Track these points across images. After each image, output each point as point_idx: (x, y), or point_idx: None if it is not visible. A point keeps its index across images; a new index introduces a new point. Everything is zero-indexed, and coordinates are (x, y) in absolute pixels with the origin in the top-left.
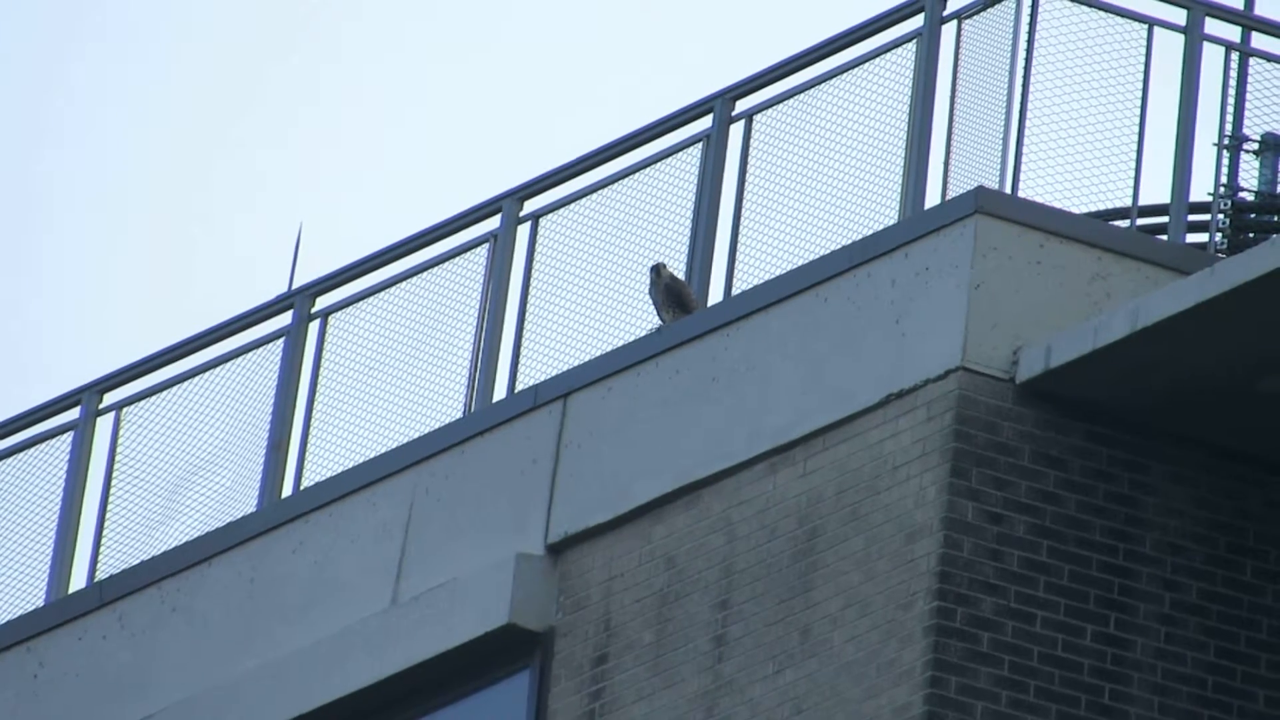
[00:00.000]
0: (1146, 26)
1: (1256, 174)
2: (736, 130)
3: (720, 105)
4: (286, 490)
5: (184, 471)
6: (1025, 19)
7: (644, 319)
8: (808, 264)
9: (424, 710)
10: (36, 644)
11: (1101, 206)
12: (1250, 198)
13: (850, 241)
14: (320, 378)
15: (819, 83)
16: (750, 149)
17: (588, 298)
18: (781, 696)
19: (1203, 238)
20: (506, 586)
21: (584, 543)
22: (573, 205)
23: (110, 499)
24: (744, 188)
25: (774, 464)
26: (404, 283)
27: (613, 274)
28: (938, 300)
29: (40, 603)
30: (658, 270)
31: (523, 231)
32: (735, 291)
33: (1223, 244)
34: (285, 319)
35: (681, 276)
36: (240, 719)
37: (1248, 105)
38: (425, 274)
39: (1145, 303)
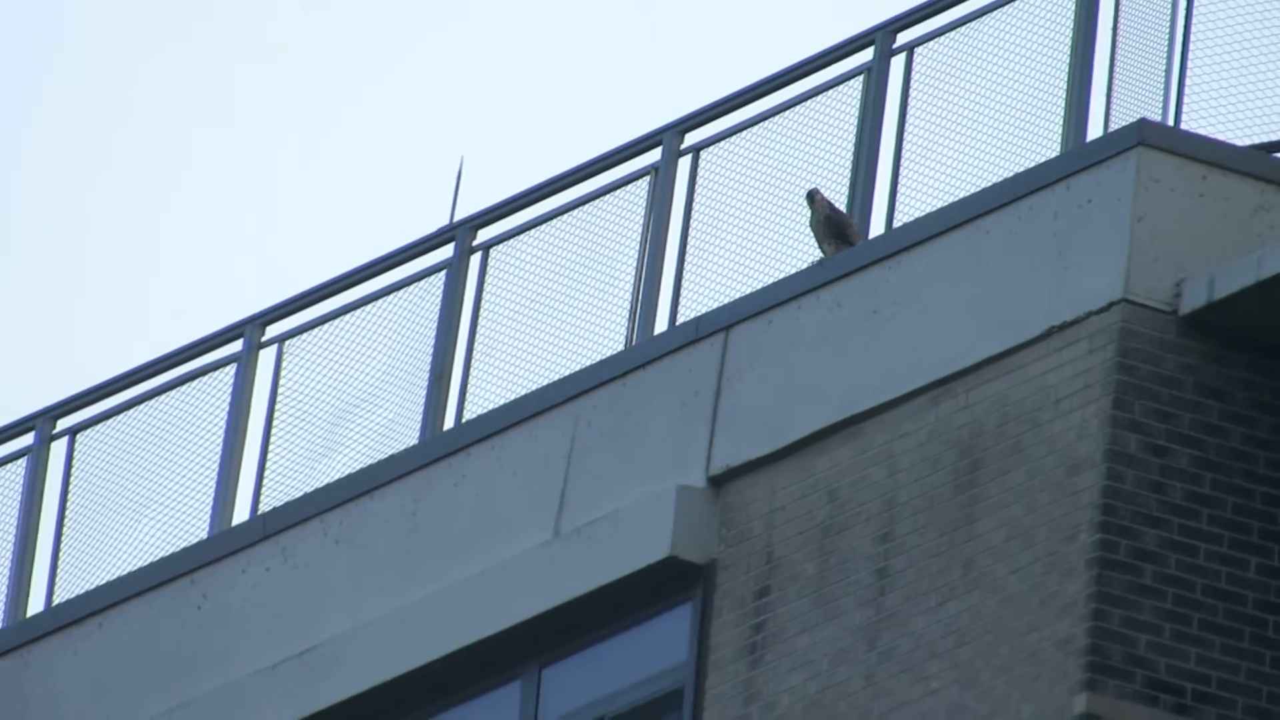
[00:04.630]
0: None
1: None
2: (898, 63)
3: (881, 38)
4: (448, 423)
5: (346, 404)
6: None
7: (805, 251)
8: (969, 196)
9: (586, 643)
10: (200, 576)
11: (1265, 138)
12: None
13: (1012, 174)
14: (481, 310)
15: (981, 14)
16: (912, 82)
17: (749, 230)
18: (944, 629)
19: None
20: (668, 519)
21: (745, 475)
22: (734, 138)
23: (273, 432)
24: (905, 120)
25: (936, 396)
26: (565, 215)
27: (774, 207)
28: (1100, 233)
29: (204, 535)
30: (812, 196)
31: (684, 164)
32: (896, 224)
33: None
34: (447, 252)
35: (842, 208)
36: (404, 651)
37: None
38: (586, 207)
39: None
